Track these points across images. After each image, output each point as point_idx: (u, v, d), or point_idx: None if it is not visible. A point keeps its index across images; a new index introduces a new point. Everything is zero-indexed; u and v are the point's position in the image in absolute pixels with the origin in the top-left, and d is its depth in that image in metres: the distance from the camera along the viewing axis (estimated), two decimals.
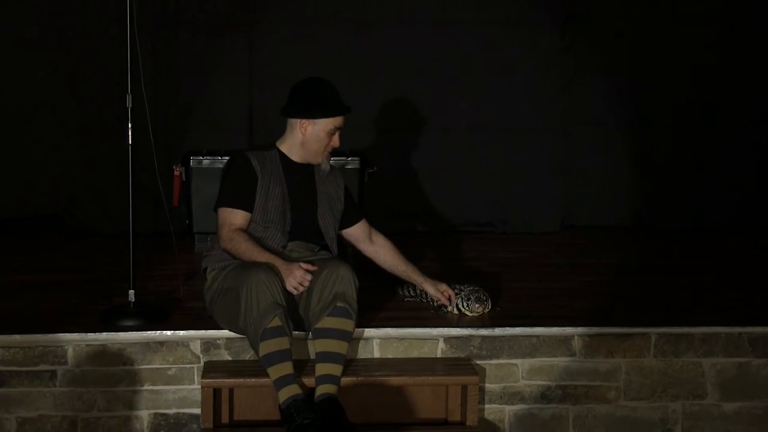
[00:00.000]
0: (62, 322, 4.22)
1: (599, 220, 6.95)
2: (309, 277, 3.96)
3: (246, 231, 4.13)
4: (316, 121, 4.17)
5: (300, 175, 4.26)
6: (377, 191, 6.31)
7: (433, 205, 6.81)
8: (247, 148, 4.44)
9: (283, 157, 4.24)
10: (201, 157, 5.99)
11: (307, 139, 4.20)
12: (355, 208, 4.47)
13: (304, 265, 3.99)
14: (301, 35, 6.61)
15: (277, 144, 4.28)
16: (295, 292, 3.97)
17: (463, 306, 4.40)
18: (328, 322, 3.93)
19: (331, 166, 4.32)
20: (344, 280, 3.94)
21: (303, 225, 4.22)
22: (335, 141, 4.21)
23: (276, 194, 4.18)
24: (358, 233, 4.43)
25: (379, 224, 6.30)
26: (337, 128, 4.19)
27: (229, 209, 4.15)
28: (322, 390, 3.88)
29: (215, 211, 4.20)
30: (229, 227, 4.12)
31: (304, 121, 4.18)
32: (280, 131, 4.29)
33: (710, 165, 6.92)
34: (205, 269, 4.24)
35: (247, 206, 4.15)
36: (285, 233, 4.19)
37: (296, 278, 3.95)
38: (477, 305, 4.40)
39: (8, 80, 6.49)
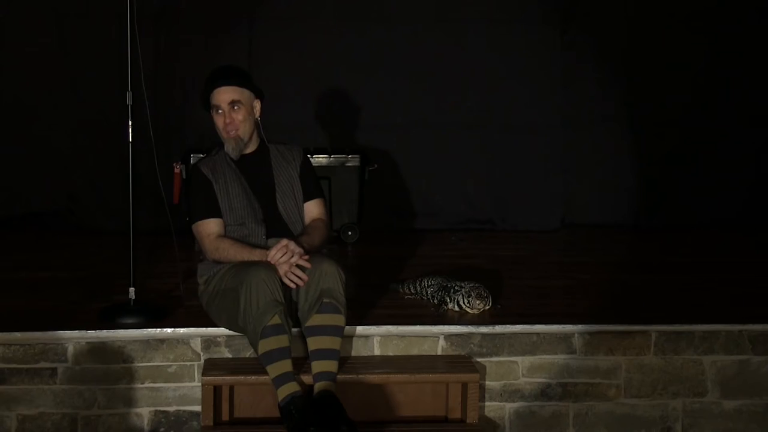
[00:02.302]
0: (62, 319, 4.22)
1: (599, 218, 6.94)
2: (296, 249, 3.94)
3: (227, 236, 4.15)
4: (209, 109, 4.22)
5: (254, 164, 4.27)
6: (377, 189, 6.32)
7: (434, 202, 6.80)
8: (198, 159, 4.45)
9: (228, 155, 4.27)
10: (201, 155, 5.96)
11: (217, 129, 4.25)
12: (312, 185, 4.33)
13: (295, 258, 3.97)
14: (300, 35, 6.61)
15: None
16: (292, 286, 3.97)
17: (464, 303, 4.40)
18: (317, 319, 3.93)
19: (290, 149, 4.29)
20: (329, 276, 3.94)
21: (272, 209, 4.23)
22: (228, 117, 4.17)
23: (237, 191, 4.20)
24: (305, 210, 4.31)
25: (379, 221, 6.28)
26: (218, 105, 4.18)
27: (202, 221, 4.19)
28: (319, 387, 3.88)
29: (192, 229, 4.23)
30: (208, 238, 4.16)
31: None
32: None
33: (710, 163, 6.91)
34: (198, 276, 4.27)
35: (216, 212, 4.19)
36: (260, 222, 4.19)
37: (281, 252, 3.93)
38: (478, 302, 4.39)
39: (8, 80, 6.49)
